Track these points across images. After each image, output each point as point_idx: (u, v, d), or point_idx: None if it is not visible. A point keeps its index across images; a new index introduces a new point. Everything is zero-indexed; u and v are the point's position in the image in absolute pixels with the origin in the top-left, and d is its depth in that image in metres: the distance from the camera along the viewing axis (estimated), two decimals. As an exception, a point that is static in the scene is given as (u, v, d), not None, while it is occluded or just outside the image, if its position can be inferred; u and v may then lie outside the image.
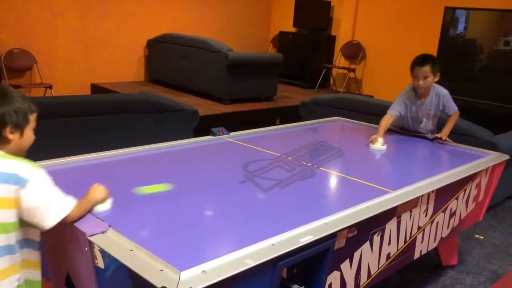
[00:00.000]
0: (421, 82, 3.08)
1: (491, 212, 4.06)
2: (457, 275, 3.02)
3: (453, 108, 3.23)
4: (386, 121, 3.13)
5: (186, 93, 6.24)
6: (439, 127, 3.39)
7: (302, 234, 1.58)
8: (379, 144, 2.91)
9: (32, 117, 1.52)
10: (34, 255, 1.52)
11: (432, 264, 3.08)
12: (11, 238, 1.41)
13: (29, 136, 1.52)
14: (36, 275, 1.54)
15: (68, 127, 3.61)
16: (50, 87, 5.83)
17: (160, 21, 7.12)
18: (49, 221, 1.44)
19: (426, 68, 3.06)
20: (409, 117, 3.27)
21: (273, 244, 1.50)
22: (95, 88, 6.42)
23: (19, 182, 1.39)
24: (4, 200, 1.39)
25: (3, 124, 1.43)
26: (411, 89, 3.21)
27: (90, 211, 1.60)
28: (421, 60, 3.10)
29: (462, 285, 2.91)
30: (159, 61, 6.80)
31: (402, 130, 3.36)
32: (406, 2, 7.06)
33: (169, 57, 6.52)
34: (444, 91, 3.20)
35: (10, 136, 1.46)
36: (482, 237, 3.62)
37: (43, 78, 6.03)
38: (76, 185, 1.70)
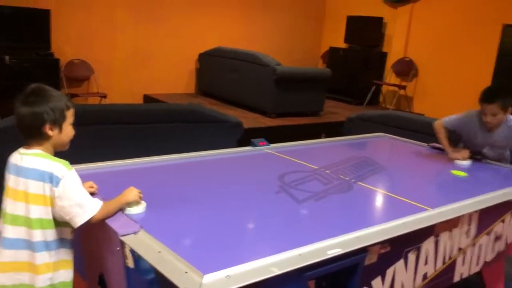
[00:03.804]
0: (489, 119, 2.87)
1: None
2: (504, 303, 2.87)
3: None
4: (443, 129, 3.06)
5: (233, 105, 6.33)
6: None
7: (331, 246, 1.57)
8: (463, 161, 2.90)
9: (69, 113, 1.62)
10: (68, 254, 1.61)
11: (477, 290, 2.94)
12: (47, 234, 1.51)
13: (68, 131, 1.62)
14: (69, 274, 1.62)
15: (118, 133, 3.76)
16: (105, 97, 6.10)
17: (212, 35, 7.31)
18: (80, 219, 1.53)
19: (495, 106, 2.82)
20: (470, 138, 3.08)
21: (300, 254, 1.49)
22: (147, 99, 6.65)
23: (53, 180, 1.49)
24: (39, 196, 1.49)
25: (43, 122, 1.53)
26: (479, 117, 2.97)
27: (122, 211, 1.67)
28: (489, 97, 2.85)
29: (508, 314, 2.76)
30: (209, 74, 6.95)
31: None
32: (461, 19, 6.87)
33: (218, 70, 6.66)
34: None
35: (50, 132, 1.56)
36: (534, 265, 3.42)
37: (99, 88, 6.31)
38: (119, 188, 1.75)
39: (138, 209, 1.72)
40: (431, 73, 7.35)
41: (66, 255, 1.60)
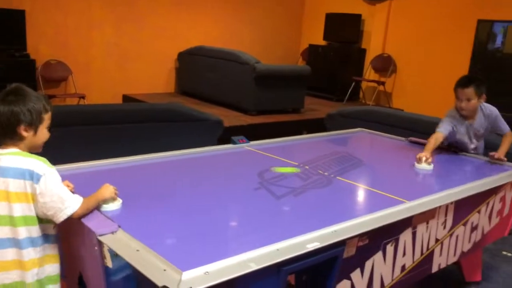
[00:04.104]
0: (463, 104, 2.94)
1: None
2: (481, 292, 2.93)
3: (506, 127, 3.04)
4: (436, 139, 2.92)
5: (214, 104, 6.32)
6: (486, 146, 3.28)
7: (309, 241, 1.58)
8: (425, 164, 2.66)
9: (47, 116, 1.61)
10: (53, 249, 1.62)
11: (455, 280, 3.00)
12: (31, 231, 1.52)
13: (43, 133, 1.61)
14: (55, 268, 1.64)
15: (97, 134, 3.73)
16: (83, 97, 6.03)
17: (191, 34, 7.28)
18: (61, 215, 1.54)
19: (469, 90, 2.91)
20: (457, 139, 3.11)
21: (278, 249, 1.50)
22: (126, 99, 6.59)
23: (33, 177, 1.49)
24: (21, 194, 1.50)
25: (18, 123, 1.53)
26: (455, 110, 3.05)
27: (99, 209, 1.68)
28: (465, 82, 2.95)
29: (486, 303, 2.82)
30: (189, 73, 6.93)
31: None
32: (438, 15, 6.97)
33: (198, 69, 6.64)
34: (493, 112, 3.02)
35: (25, 133, 1.55)
36: (510, 254, 3.50)
37: (77, 89, 6.24)
38: (97, 188, 1.74)
39: (114, 206, 1.73)
40: (409, 69, 7.45)
41: (51, 250, 1.61)
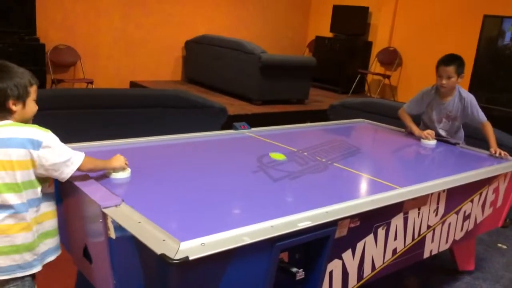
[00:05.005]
0: (444, 82, 3.12)
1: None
2: (473, 280, 3.01)
3: (482, 118, 3.14)
4: (405, 114, 3.35)
5: (220, 93, 6.40)
6: (468, 134, 3.37)
7: (301, 220, 1.66)
8: (431, 140, 3.12)
9: (32, 89, 1.69)
10: (50, 206, 1.74)
11: (448, 268, 3.08)
12: (33, 193, 1.63)
13: (31, 106, 1.70)
14: (52, 223, 1.75)
15: (104, 118, 3.82)
16: (91, 82, 6.12)
17: (198, 23, 7.34)
18: (68, 172, 1.66)
19: (451, 68, 3.09)
20: (427, 114, 3.31)
21: (272, 226, 1.59)
22: (134, 85, 6.68)
23: (34, 144, 1.59)
24: (23, 162, 1.60)
25: (6, 98, 1.62)
26: (434, 88, 3.26)
27: (108, 176, 1.83)
28: (447, 60, 3.14)
29: (477, 291, 2.90)
30: (196, 62, 7.00)
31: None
32: (445, 10, 6.99)
33: (205, 58, 6.71)
34: (469, 96, 3.18)
35: (14, 107, 1.64)
36: (505, 247, 3.57)
37: (85, 74, 6.33)
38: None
39: (123, 174, 1.87)
40: (415, 63, 7.47)
41: (48, 207, 1.72)
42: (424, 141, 3.14)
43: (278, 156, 2.49)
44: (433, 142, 3.14)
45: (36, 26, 5.78)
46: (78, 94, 4.08)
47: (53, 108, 3.47)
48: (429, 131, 3.19)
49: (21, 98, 1.65)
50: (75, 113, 3.65)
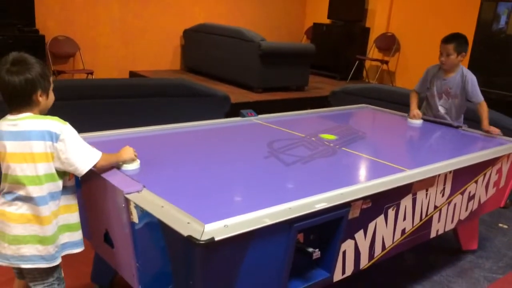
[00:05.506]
0: (443, 59, 3.22)
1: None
2: (476, 259, 3.09)
3: (479, 97, 3.23)
4: (414, 93, 3.48)
5: (220, 81, 6.42)
6: (466, 117, 3.44)
7: (318, 201, 1.72)
8: (417, 119, 3.29)
9: (52, 79, 1.72)
10: (71, 199, 1.75)
11: (452, 247, 3.15)
12: (53, 186, 1.66)
13: (51, 97, 1.73)
14: (74, 217, 1.77)
15: (107, 108, 3.85)
16: (91, 73, 6.13)
17: (197, 11, 7.33)
18: (84, 167, 1.67)
19: (450, 46, 3.18)
20: (430, 90, 3.42)
21: (290, 208, 1.64)
22: (133, 75, 6.69)
23: (53, 137, 1.61)
24: (43, 154, 1.62)
25: (34, 90, 1.63)
26: (439, 66, 3.36)
27: (119, 168, 1.84)
28: (448, 38, 3.23)
29: (480, 269, 2.97)
30: (195, 50, 7.01)
31: (426, 117, 3.43)
32: (442, -6, 7.01)
33: (204, 47, 6.72)
34: (471, 75, 3.25)
35: (40, 99, 1.66)
36: (506, 227, 3.65)
37: (85, 64, 6.33)
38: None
39: (133, 166, 1.89)
40: (413, 48, 7.51)
41: (69, 201, 1.74)
42: (410, 120, 3.32)
43: (329, 136, 2.71)
44: (419, 121, 3.30)
45: (35, 18, 5.77)
46: (79, 85, 4.09)
47: (58, 99, 3.49)
48: (416, 111, 3.35)
49: (46, 89, 1.67)
50: (79, 104, 3.66)
